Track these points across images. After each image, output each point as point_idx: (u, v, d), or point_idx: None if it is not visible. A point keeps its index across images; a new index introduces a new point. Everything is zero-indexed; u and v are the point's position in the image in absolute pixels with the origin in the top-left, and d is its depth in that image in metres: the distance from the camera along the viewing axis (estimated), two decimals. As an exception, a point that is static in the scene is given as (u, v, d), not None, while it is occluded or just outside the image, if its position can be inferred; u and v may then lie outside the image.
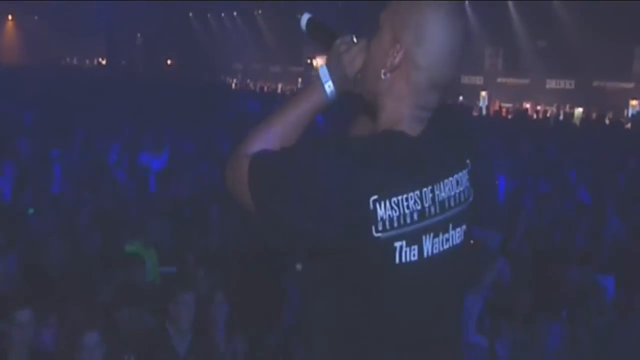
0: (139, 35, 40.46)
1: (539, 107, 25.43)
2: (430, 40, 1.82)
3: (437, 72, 1.85)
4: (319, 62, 29.59)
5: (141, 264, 5.80)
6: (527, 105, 25.60)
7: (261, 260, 5.73)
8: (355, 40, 1.99)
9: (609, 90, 25.40)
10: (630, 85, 25.19)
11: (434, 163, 1.87)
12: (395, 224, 1.77)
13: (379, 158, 1.78)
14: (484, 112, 24.88)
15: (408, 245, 1.79)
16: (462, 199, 1.92)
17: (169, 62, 39.87)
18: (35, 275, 5.64)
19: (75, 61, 43.15)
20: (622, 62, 24.39)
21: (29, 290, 4.98)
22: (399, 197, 1.77)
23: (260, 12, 36.25)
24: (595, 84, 25.75)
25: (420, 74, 1.85)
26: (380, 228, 1.75)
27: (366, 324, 1.84)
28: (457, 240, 1.91)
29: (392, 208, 1.76)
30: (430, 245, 1.83)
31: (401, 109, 1.88)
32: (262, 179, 1.83)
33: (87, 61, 43.16)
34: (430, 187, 1.83)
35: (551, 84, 27.11)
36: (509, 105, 26.07)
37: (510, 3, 27.21)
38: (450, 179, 1.89)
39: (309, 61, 32.17)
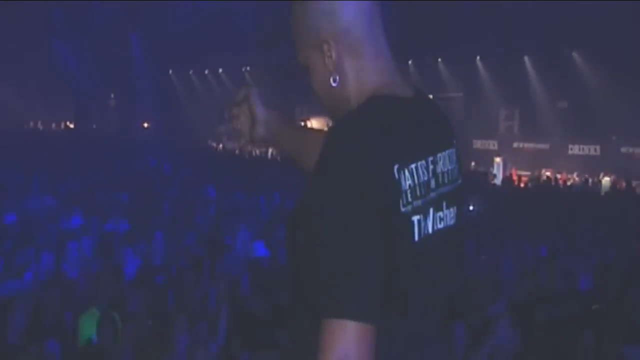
0: (112, 95, 40.72)
1: (559, 175, 25.34)
2: (338, 5, 1.90)
3: (364, 19, 1.91)
4: (314, 124, 29.68)
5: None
6: (547, 173, 25.47)
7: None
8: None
9: (638, 156, 25.48)
10: (665, 150, 25.27)
11: (431, 132, 1.90)
12: (413, 196, 1.76)
13: (385, 119, 1.78)
14: (498, 180, 24.67)
15: (423, 220, 1.79)
16: (453, 177, 1.96)
17: (145, 125, 40.07)
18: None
19: (40, 125, 43.33)
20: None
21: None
22: (413, 165, 1.77)
23: (248, 68, 36.59)
24: (623, 149, 25.88)
25: (354, 34, 1.91)
26: (404, 202, 1.73)
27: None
28: (450, 222, 1.91)
29: (410, 177, 1.75)
30: (432, 222, 1.83)
31: (369, 80, 1.91)
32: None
33: (54, 125, 43.36)
34: (431, 158, 1.86)
35: (574, 149, 27.19)
36: (527, 173, 26.01)
37: (526, 59, 27.51)
38: (444, 153, 1.93)
39: (303, 123, 32.29)
